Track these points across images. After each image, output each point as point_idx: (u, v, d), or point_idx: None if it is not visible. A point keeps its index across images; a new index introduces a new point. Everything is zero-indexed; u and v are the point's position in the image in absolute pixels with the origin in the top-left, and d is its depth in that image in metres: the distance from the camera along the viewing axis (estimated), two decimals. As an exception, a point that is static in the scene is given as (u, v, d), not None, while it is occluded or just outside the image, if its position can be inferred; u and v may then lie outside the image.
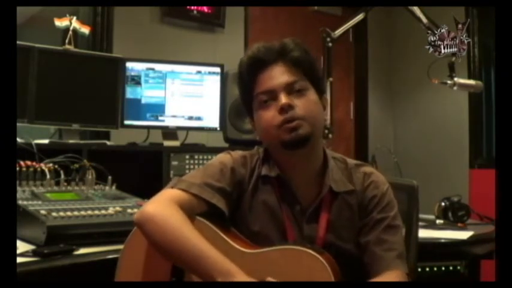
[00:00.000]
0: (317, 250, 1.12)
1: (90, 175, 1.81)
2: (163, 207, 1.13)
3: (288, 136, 1.18)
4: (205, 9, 3.42)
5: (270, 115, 1.20)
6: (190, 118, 2.53)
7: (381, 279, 1.16)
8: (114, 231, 1.42)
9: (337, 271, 1.10)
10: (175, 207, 1.13)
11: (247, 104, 1.28)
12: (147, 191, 1.69)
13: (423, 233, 1.97)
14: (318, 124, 1.23)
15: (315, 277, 1.07)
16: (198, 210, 1.18)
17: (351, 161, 1.31)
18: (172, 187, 1.20)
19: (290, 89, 1.20)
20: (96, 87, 2.36)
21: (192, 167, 2.38)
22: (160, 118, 2.48)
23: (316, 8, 4.14)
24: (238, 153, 1.29)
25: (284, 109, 1.18)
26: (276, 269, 1.10)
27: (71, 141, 2.25)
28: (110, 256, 1.33)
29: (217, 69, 2.57)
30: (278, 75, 1.21)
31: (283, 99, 1.18)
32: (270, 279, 1.07)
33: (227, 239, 1.15)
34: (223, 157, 1.27)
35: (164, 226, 1.10)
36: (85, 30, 2.41)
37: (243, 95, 1.30)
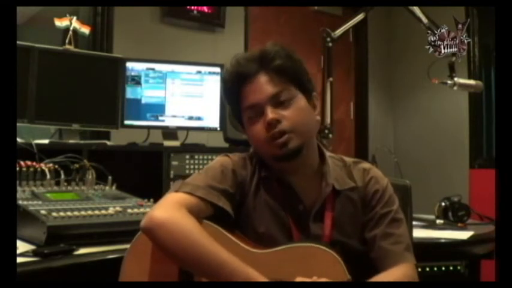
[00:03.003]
0: (328, 246, 1.13)
1: (90, 175, 1.80)
2: (172, 212, 1.11)
3: (279, 152, 1.18)
4: (205, 9, 3.42)
5: (258, 130, 1.19)
6: (191, 118, 2.53)
7: (392, 273, 1.16)
8: (114, 231, 1.42)
9: (347, 267, 1.11)
10: (184, 211, 1.11)
11: (237, 115, 1.27)
12: (147, 191, 1.70)
13: (423, 233, 1.97)
14: (308, 131, 1.22)
15: (329, 272, 1.08)
16: (205, 213, 1.17)
17: (348, 159, 1.32)
18: (176, 191, 1.18)
19: (275, 100, 1.19)
20: (96, 87, 2.35)
21: (192, 167, 2.37)
22: (160, 118, 2.48)
23: (316, 8, 4.14)
24: (237, 156, 1.28)
25: (271, 125, 1.16)
26: (290, 267, 1.10)
27: (71, 141, 2.25)
28: (110, 256, 1.33)
29: (217, 69, 2.57)
30: (261, 88, 1.19)
31: (269, 114, 1.17)
32: (300, 278, 1.06)
33: (237, 241, 1.14)
34: (223, 160, 1.26)
35: (176, 232, 1.08)
36: (85, 30, 2.41)
37: (231, 108, 1.29)
